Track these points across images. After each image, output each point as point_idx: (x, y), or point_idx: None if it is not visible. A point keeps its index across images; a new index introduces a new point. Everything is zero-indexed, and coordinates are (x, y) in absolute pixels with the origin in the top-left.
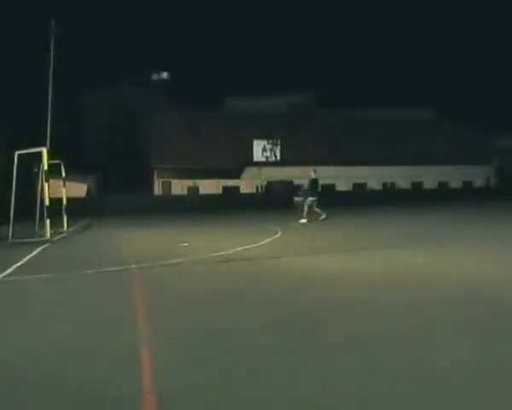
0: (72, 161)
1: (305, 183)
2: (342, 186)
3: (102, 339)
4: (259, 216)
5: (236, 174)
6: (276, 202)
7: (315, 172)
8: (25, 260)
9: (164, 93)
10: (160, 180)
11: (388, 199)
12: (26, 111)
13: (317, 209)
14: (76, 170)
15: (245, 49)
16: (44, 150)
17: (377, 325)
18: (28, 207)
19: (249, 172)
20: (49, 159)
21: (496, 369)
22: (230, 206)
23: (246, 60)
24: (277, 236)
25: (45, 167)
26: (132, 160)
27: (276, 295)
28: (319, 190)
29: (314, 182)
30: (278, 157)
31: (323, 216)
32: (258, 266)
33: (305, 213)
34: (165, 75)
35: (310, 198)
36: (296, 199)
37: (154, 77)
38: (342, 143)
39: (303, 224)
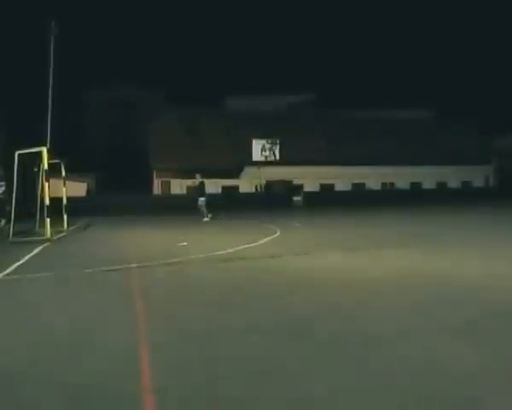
0: (72, 161)
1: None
2: (341, 186)
3: (102, 338)
4: (259, 215)
5: (236, 174)
6: (275, 201)
7: (200, 176)
8: (25, 259)
9: (164, 93)
10: (160, 180)
11: (387, 199)
12: (26, 111)
13: (204, 209)
14: (76, 169)
15: (245, 49)
16: (44, 150)
17: (377, 324)
18: (29, 207)
19: (248, 171)
20: (48, 158)
21: (497, 369)
22: (230, 205)
23: (246, 60)
24: (276, 235)
25: (45, 167)
26: (132, 159)
27: (275, 293)
28: (206, 191)
29: (202, 185)
30: (277, 157)
31: (209, 217)
32: (258, 265)
33: (205, 212)
34: None
35: (200, 199)
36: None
37: None
38: (341, 143)
39: (207, 220)
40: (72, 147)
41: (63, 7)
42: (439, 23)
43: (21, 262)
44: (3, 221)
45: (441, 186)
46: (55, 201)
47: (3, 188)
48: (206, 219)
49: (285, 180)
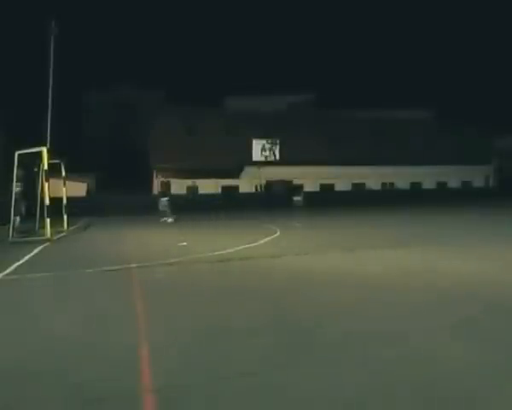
0: (72, 161)
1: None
2: (341, 186)
3: (102, 338)
4: (259, 215)
5: (236, 174)
6: (275, 201)
7: (164, 177)
8: (25, 259)
9: (164, 93)
10: (160, 180)
11: (387, 199)
12: (26, 111)
13: (167, 209)
14: (76, 169)
15: (244, 49)
16: (44, 150)
17: (377, 324)
18: (28, 207)
19: (248, 171)
20: (48, 158)
21: (498, 369)
22: (230, 205)
23: (245, 60)
24: (276, 235)
25: (45, 167)
26: (132, 159)
27: (275, 294)
28: (170, 192)
29: (166, 185)
30: (277, 157)
31: (173, 218)
32: (258, 265)
33: (168, 212)
34: None
35: (162, 199)
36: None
37: None
38: (341, 143)
39: (171, 221)
40: (72, 147)
41: (63, 7)
42: (439, 23)
43: (21, 262)
44: (18, 220)
45: (441, 186)
46: (55, 201)
47: (20, 188)
48: (165, 219)
49: (285, 180)
